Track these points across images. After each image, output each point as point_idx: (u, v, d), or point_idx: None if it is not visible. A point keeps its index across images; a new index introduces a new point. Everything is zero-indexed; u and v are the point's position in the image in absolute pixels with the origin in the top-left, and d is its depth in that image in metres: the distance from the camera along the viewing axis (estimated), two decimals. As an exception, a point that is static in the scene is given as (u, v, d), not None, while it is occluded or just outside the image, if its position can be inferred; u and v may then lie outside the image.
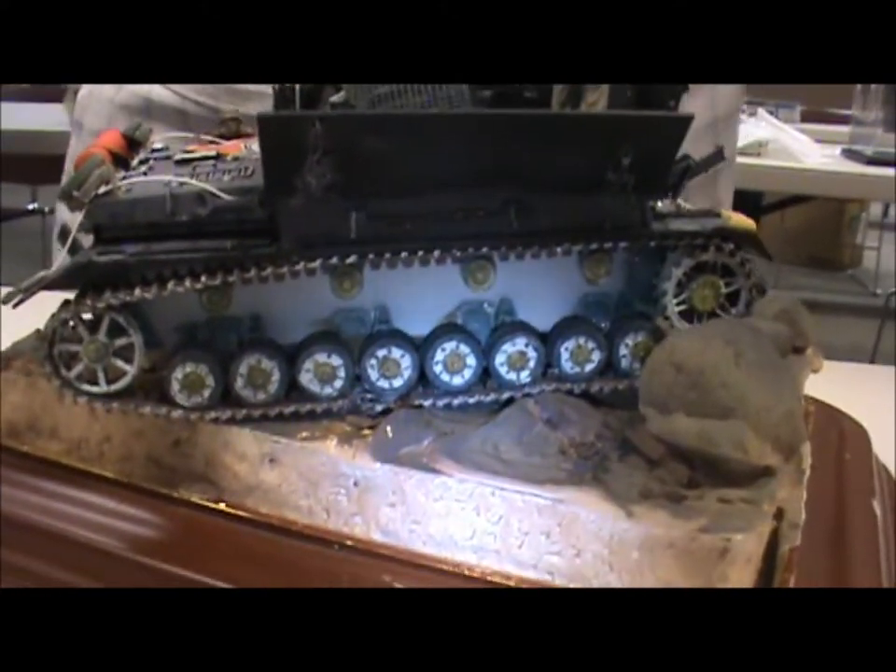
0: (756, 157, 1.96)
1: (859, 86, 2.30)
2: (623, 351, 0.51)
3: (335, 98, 0.51)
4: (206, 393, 0.48)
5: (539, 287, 0.50)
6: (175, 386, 0.48)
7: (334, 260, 0.46)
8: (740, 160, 1.96)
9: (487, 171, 0.45)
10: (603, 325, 0.52)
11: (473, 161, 0.45)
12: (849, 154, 2.07)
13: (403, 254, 0.46)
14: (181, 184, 0.47)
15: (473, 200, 0.46)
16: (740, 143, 1.99)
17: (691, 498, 0.43)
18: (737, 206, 2.34)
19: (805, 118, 2.77)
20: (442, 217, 0.46)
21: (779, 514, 0.50)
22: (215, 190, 0.46)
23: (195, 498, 0.49)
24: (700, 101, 0.91)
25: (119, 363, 0.48)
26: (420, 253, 0.46)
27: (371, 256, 0.46)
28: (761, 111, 2.22)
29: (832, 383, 0.72)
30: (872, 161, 1.96)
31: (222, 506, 0.48)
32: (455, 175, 0.45)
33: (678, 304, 0.50)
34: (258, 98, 0.82)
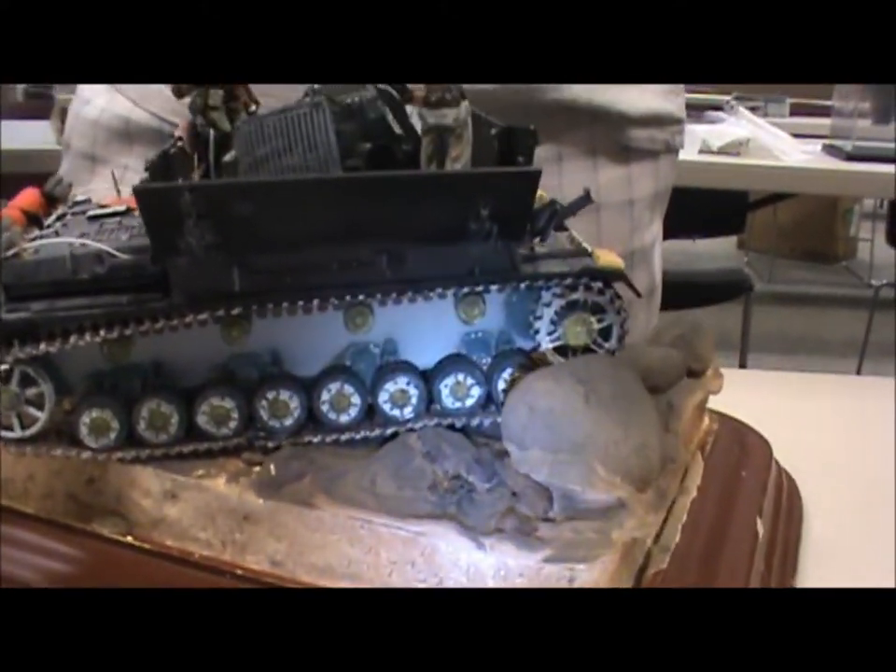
0: (736, 156, 1.99)
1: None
2: (501, 385, 0.54)
3: (227, 157, 0.55)
4: (112, 435, 0.52)
5: (420, 329, 0.54)
6: (84, 430, 0.52)
7: (220, 312, 0.50)
8: (721, 159, 2.00)
9: (358, 225, 0.49)
10: (485, 361, 0.55)
11: (343, 218, 0.49)
12: (829, 150, 2.09)
13: (284, 304, 0.50)
14: (82, 244, 0.51)
15: (347, 252, 0.50)
16: (721, 142, 2.02)
17: (543, 530, 0.47)
18: (723, 204, 2.36)
19: (794, 111, 2.79)
20: (319, 268, 0.50)
21: (656, 538, 0.53)
22: (111, 250, 0.50)
23: (107, 532, 0.53)
24: (647, 172, 0.96)
25: (32, 410, 0.52)
26: (300, 303, 0.50)
27: (254, 307, 0.50)
28: (741, 109, 2.25)
29: (748, 391, 0.75)
30: (851, 157, 1.98)
31: (129, 539, 0.53)
32: (327, 230, 0.49)
33: (552, 341, 0.54)
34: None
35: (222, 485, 0.50)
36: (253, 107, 0.61)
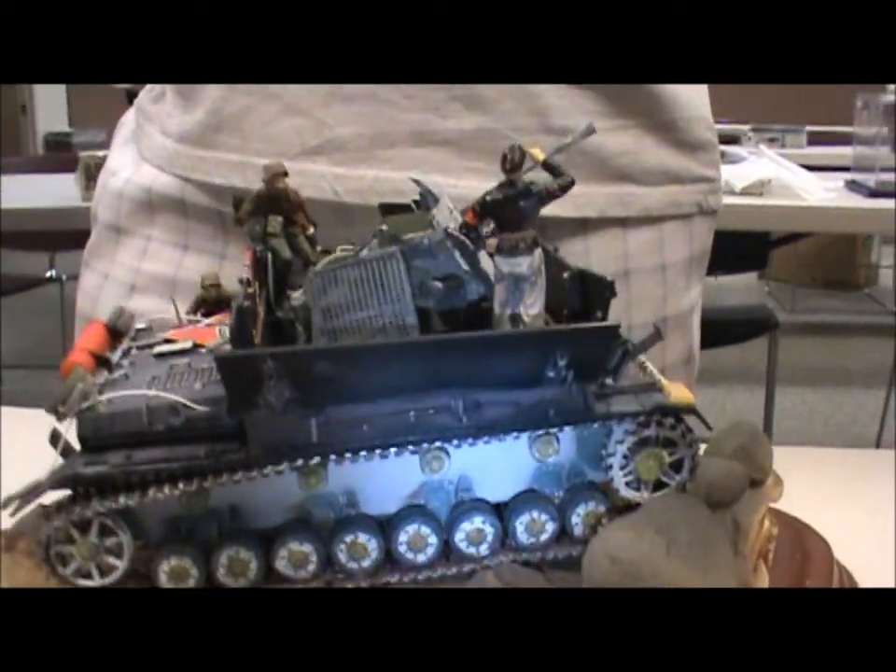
0: (759, 196, 1.98)
1: (859, 102, 2.29)
2: (575, 520, 0.55)
3: (295, 300, 0.55)
4: (191, 582, 0.52)
5: (493, 466, 0.54)
6: (163, 578, 0.52)
7: (299, 462, 0.50)
8: (744, 200, 2.00)
9: (436, 377, 0.49)
10: (557, 494, 0.55)
11: (421, 372, 0.49)
12: (852, 186, 2.09)
13: (362, 453, 0.50)
14: (156, 396, 0.51)
15: (423, 400, 0.50)
16: (744, 183, 2.02)
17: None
18: (745, 243, 2.34)
19: (812, 140, 2.79)
20: (396, 416, 0.50)
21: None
22: (187, 402, 0.51)
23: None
24: (680, 235, 0.93)
25: (111, 559, 0.52)
26: (378, 451, 0.50)
27: (332, 456, 0.50)
28: (762, 147, 2.25)
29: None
30: (874, 194, 1.97)
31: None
32: (405, 382, 0.49)
33: (624, 476, 0.54)
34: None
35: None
36: (311, 230, 0.62)
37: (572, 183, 0.50)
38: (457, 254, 0.53)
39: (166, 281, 0.92)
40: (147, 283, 0.94)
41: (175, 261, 0.93)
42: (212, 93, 0.85)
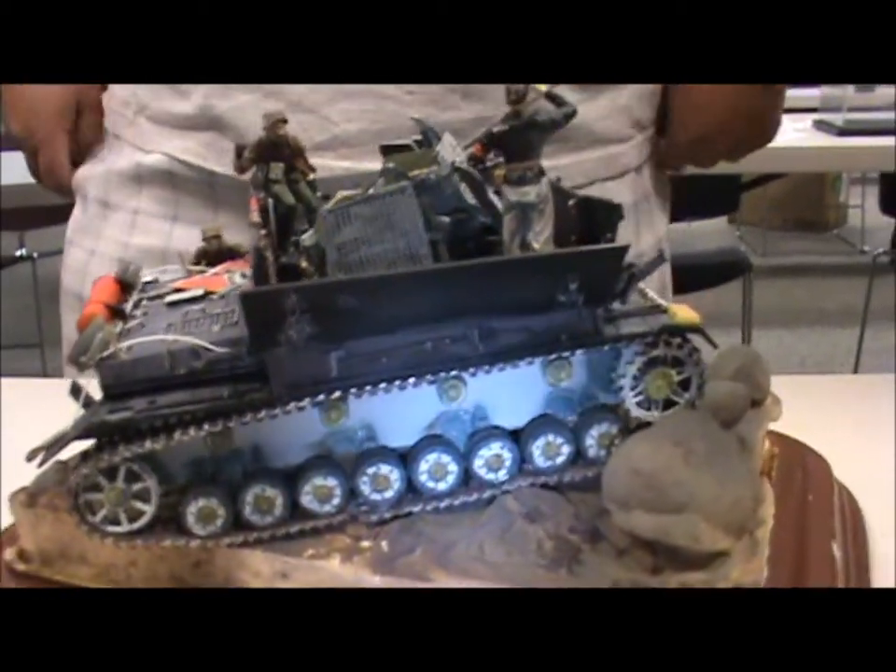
0: (728, 139, 1.99)
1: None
2: (589, 441, 0.56)
3: (306, 239, 0.56)
4: (219, 522, 0.54)
5: (509, 393, 0.56)
6: (191, 520, 0.53)
7: (321, 398, 0.51)
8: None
9: (452, 306, 0.51)
10: (570, 418, 0.57)
11: (438, 302, 0.50)
12: (820, 126, 2.11)
13: (382, 385, 0.51)
14: (175, 340, 0.52)
15: (440, 330, 0.51)
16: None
17: (654, 584, 0.48)
18: (717, 187, 2.36)
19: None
20: (414, 348, 0.51)
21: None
22: (207, 345, 0.51)
23: (218, 613, 0.54)
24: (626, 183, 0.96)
25: (138, 504, 0.53)
26: (397, 382, 0.52)
27: (353, 390, 0.51)
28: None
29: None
30: (843, 132, 1.99)
31: (243, 620, 0.54)
32: (422, 313, 0.50)
33: (635, 396, 0.56)
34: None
35: (337, 565, 0.52)
36: (311, 176, 0.63)
37: (574, 112, 0.51)
38: (464, 187, 0.54)
39: (156, 253, 0.92)
40: (136, 256, 0.93)
41: (165, 233, 0.93)
42: (204, 90, 0.86)
